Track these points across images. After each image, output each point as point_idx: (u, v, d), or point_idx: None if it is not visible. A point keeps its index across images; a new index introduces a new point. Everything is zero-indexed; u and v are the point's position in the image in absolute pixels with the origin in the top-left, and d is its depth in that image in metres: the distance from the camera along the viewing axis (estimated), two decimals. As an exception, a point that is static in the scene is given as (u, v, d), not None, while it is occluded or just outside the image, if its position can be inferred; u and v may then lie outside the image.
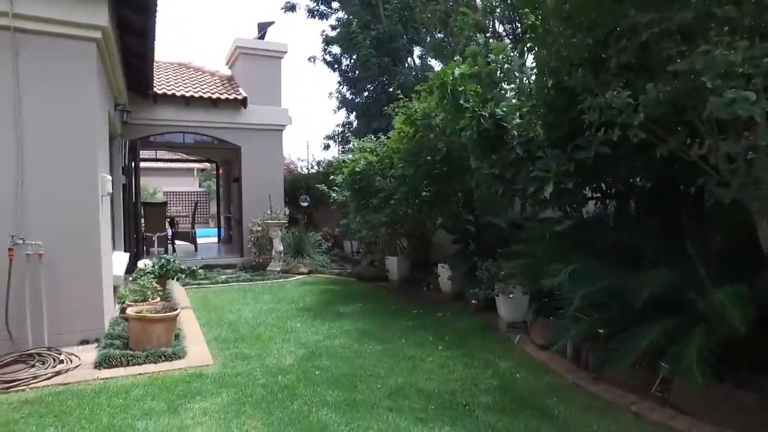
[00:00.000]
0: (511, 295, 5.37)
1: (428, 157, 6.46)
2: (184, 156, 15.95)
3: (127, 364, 4.25)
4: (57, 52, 4.68)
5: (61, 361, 4.27)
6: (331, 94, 17.37)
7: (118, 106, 7.27)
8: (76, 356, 4.41)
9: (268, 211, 9.99)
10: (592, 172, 4.07)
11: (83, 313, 4.82)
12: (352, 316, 6.14)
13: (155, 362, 4.33)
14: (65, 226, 4.72)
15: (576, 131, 4.13)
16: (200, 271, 7.10)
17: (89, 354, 4.46)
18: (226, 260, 10.47)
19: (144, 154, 23.03)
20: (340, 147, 17.43)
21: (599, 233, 4.40)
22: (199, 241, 14.37)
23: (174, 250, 11.83)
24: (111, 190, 5.10)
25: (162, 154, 17.24)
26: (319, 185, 9.39)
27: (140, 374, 4.09)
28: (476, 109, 4.56)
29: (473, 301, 6.07)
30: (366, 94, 16.63)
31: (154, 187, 22.71)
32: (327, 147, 17.79)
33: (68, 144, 4.73)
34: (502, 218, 6.72)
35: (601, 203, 5.02)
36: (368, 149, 7.92)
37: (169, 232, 11.87)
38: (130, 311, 4.66)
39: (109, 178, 5.14)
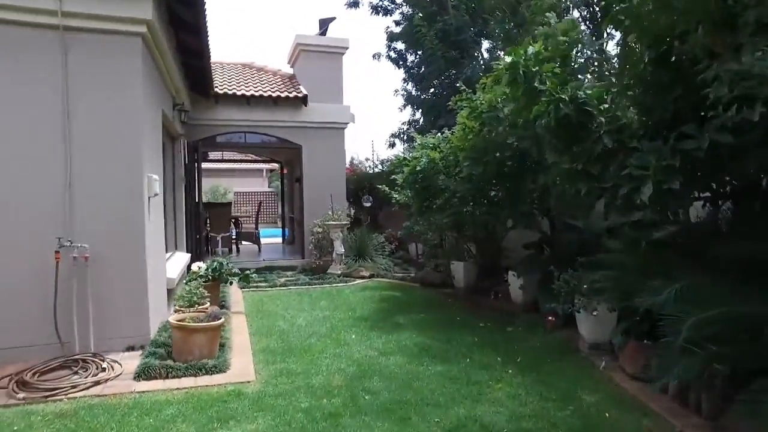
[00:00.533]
0: (594, 312, 4.58)
1: (497, 154, 5.78)
2: (252, 156, 16.15)
3: (166, 377, 3.97)
4: (102, 49, 4.52)
5: (103, 369, 4.08)
6: (396, 91, 16.96)
7: (176, 105, 7.21)
8: (119, 363, 4.21)
9: (330, 212, 9.67)
10: (705, 167, 3.25)
11: (129, 318, 4.64)
12: (412, 328, 5.59)
13: (195, 375, 4.02)
14: (111, 227, 4.56)
15: (682, 115, 3.33)
16: (255, 275, 6.87)
17: (132, 362, 4.24)
18: (287, 262, 10.29)
19: (213, 155, 23.78)
20: (406, 145, 17.00)
21: (712, 242, 3.54)
22: (264, 241, 14.45)
23: (238, 251, 11.88)
24: (159, 191, 4.92)
25: (230, 155, 17.61)
26: (380, 186, 8.97)
27: (177, 389, 3.79)
28: (554, 93, 3.85)
29: (549, 318, 5.32)
30: (432, 90, 16.10)
31: (225, 187, 23.42)
32: (392, 145, 17.40)
33: (113, 144, 4.56)
34: (583, 221, 5.90)
35: (711, 205, 4.12)
36: (431, 145, 7.34)
37: (234, 232, 11.93)
38: (172, 319, 4.40)
39: (157, 178, 4.96)
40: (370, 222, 11.44)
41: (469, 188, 6.15)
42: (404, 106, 16.86)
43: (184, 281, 6.24)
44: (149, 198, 4.88)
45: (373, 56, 16.86)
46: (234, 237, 11.91)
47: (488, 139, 5.83)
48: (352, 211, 9.99)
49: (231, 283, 6.51)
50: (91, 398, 3.65)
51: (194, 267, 6.15)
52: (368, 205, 10.93)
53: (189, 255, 8.44)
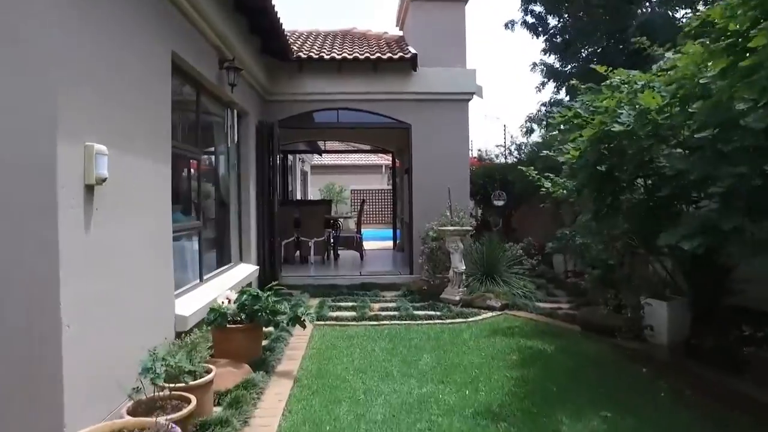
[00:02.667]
0: None
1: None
2: (355, 145, 14.00)
3: None
4: None
5: None
6: (534, 65, 13.86)
7: (224, 62, 5.10)
8: None
9: (447, 213, 6.97)
10: None
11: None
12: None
13: None
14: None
15: None
16: (344, 297, 4.46)
17: None
18: (391, 277, 7.80)
19: (329, 149, 22.22)
20: (544, 131, 13.76)
21: None
22: (371, 246, 12.25)
23: (336, 258, 9.73)
24: (106, 173, 2.66)
25: (331, 146, 15.75)
26: (524, 169, 5.92)
27: None
28: None
29: None
30: (584, 54, 12.69)
31: (341, 185, 21.89)
32: (529, 131, 14.23)
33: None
34: None
35: None
36: (642, 81, 4.11)
37: (330, 235, 9.82)
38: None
39: (105, 151, 2.69)
40: (503, 227, 8.51)
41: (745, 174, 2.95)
42: (544, 83, 13.65)
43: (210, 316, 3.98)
44: (93, 186, 2.66)
45: (506, 25, 14.17)
46: (331, 242, 9.80)
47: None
48: (478, 212, 7.19)
49: (275, 326, 4.19)
50: None
51: (220, 298, 3.89)
52: (500, 204, 8.01)
53: (255, 268, 6.36)
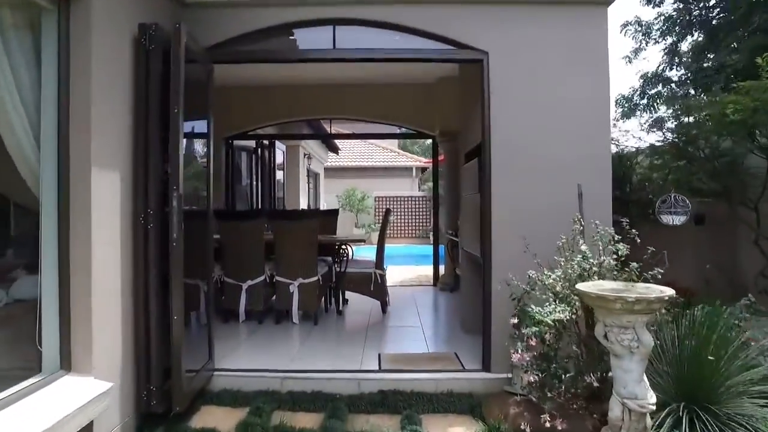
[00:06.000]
0: None
1: None
2: (385, 145, 9.83)
3: None
4: None
5: None
6: (626, 24, 9.92)
7: None
8: None
9: (579, 237, 2.90)
10: None
11: None
12: None
13: None
14: None
15: None
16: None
17: None
18: (443, 380, 3.63)
19: (347, 150, 18.23)
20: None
21: None
22: (402, 274, 8.26)
23: (339, 311, 5.71)
24: None
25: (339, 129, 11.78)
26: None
27: None
28: None
29: None
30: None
31: (363, 191, 17.89)
32: (628, 113, 10.16)
33: None
34: None
35: None
36: None
37: (332, 270, 5.82)
38: None
39: None
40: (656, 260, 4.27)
41: None
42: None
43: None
44: None
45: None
46: (332, 282, 5.81)
47: None
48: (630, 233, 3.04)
49: None
50: None
51: None
52: (679, 220, 3.77)
53: (108, 387, 2.36)
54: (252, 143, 8.51)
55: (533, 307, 2.85)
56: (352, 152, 19.96)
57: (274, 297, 5.28)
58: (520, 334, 3.11)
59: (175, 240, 2.86)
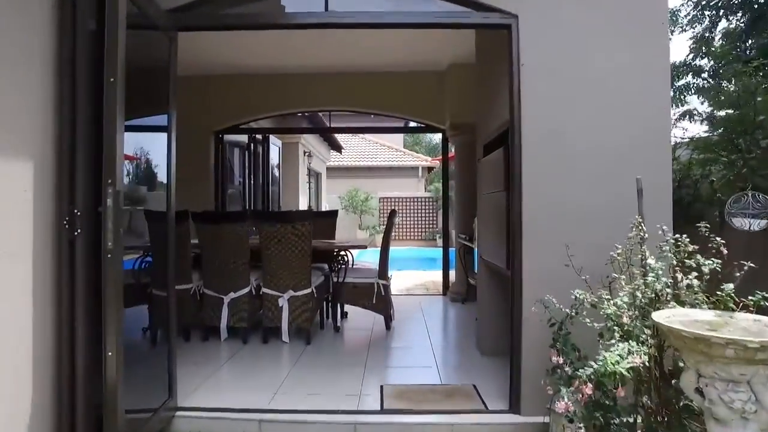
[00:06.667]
0: None
1: None
2: (392, 145, 9.07)
3: None
4: None
5: None
6: None
7: None
8: None
9: (647, 254, 2.18)
10: None
11: None
12: None
13: None
14: None
15: None
16: None
17: None
18: (464, 423, 2.94)
19: (351, 149, 17.66)
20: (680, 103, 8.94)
21: None
22: (408, 279, 7.57)
23: (337, 327, 4.98)
24: None
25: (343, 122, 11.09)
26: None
27: None
28: None
29: None
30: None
31: (367, 192, 17.13)
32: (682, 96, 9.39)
33: None
34: None
35: None
36: None
37: (330, 281, 5.12)
38: None
39: None
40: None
41: None
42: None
43: None
44: None
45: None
46: (328, 294, 5.10)
47: None
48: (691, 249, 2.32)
49: None
50: None
51: None
52: (759, 224, 3.04)
53: None
54: (245, 138, 7.80)
55: (602, 352, 2.08)
56: (355, 151, 19.24)
57: (261, 311, 4.57)
58: (563, 374, 2.39)
59: (110, 250, 2.15)
